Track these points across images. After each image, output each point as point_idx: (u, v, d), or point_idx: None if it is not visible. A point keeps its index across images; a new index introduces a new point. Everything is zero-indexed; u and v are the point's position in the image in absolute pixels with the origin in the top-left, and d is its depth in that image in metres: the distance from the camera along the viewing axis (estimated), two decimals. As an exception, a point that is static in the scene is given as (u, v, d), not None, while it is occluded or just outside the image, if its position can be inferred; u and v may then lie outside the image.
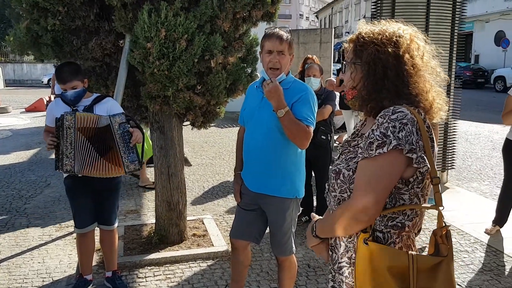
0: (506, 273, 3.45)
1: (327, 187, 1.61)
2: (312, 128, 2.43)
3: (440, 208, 1.38)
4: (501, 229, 4.16)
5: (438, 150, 5.51)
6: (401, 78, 1.41)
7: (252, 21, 3.59)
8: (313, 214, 1.70)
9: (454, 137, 5.92)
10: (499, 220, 4.15)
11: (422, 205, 1.42)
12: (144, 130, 3.12)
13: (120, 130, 2.86)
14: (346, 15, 44.05)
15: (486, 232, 4.15)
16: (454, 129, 5.89)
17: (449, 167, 5.96)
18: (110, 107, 3.00)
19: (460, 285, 3.23)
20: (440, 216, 1.38)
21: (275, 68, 2.41)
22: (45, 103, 13.59)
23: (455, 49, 5.70)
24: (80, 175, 2.86)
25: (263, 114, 2.47)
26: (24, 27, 3.20)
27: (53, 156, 7.69)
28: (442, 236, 1.36)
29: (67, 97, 2.90)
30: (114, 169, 2.89)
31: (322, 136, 4.31)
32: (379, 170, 1.34)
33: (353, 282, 1.43)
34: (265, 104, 2.43)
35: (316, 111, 2.51)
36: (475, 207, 5.00)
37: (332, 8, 48.36)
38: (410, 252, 1.35)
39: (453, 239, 3.92)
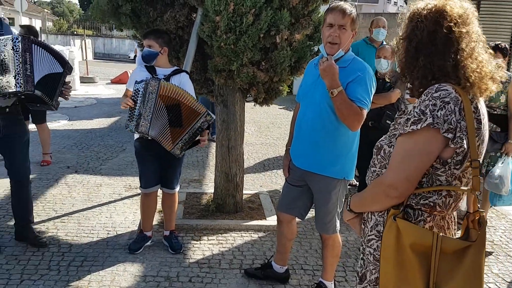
0: None
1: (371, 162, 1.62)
2: (365, 111, 2.36)
3: (477, 192, 1.34)
4: None
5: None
6: (444, 56, 1.35)
7: (323, -3, 3.55)
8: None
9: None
10: None
11: (458, 188, 1.38)
12: None
13: (201, 124, 3.04)
14: (436, 2, 41.31)
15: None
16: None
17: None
18: (181, 81, 3.16)
19: (500, 277, 3.05)
20: (474, 201, 1.35)
21: (334, 43, 2.36)
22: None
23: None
24: (150, 138, 3.07)
25: (316, 92, 2.45)
26: (106, -4, 3.46)
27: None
28: (474, 221, 1.34)
29: (142, 55, 3.14)
30: (167, 142, 3.04)
31: (387, 121, 4.18)
32: (413, 147, 1.33)
33: (379, 256, 1.45)
34: (320, 82, 2.40)
35: (373, 93, 2.43)
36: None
37: (421, -6, 45.64)
38: (436, 232, 1.34)
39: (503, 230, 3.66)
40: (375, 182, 1.47)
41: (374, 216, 1.52)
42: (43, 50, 2.99)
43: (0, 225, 3.52)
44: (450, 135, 1.29)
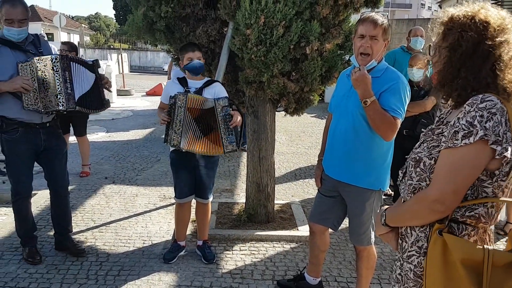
0: None
1: (401, 174, 1.59)
2: (399, 120, 2.33)
3: None
4: None
5: None
6: (487, 67, 1.33)
7: (354, 7, 3.54)
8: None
9: None
10: None
11: (505, 199, 1.35)
12: None
13: (222, 113, 3.09)
14: (473, 6, 40.17)
15: None
16: None
17: None
18: (217, 91, 3.23)
19: None
20: None
21: (366, 54, 2.35)
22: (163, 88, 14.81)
23: None
24: (184, 150, 3.13)
25: (349, 102, 2.45)
26: (141, 13, 3.57)
27: (165, 135, 8.51)
28: None
29: (196, 66, 3.20)
30: (215, 148, 3.13)
31: (422, 129, 4.10)
32: (462, 160, 1.30)
33: (421, 272, 1.42)
34: (353, 93, 2.39)
35: (407, 102, 2.41)
36: None
37: (457, -2, 44.60)
38: (486, 246, 1.30)
39: None
40: (417, 197, 1.42)
41: (415, 231, 1.48)
42: (80, 66, 3.15)
43: (41, 235, 3.66)
44: (497, 147, 1.27)
